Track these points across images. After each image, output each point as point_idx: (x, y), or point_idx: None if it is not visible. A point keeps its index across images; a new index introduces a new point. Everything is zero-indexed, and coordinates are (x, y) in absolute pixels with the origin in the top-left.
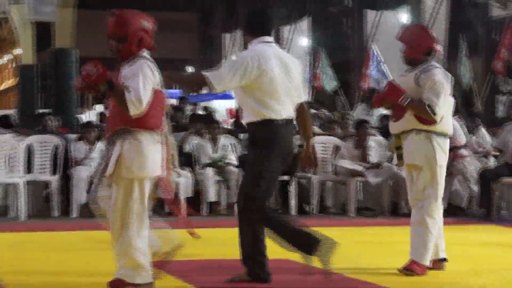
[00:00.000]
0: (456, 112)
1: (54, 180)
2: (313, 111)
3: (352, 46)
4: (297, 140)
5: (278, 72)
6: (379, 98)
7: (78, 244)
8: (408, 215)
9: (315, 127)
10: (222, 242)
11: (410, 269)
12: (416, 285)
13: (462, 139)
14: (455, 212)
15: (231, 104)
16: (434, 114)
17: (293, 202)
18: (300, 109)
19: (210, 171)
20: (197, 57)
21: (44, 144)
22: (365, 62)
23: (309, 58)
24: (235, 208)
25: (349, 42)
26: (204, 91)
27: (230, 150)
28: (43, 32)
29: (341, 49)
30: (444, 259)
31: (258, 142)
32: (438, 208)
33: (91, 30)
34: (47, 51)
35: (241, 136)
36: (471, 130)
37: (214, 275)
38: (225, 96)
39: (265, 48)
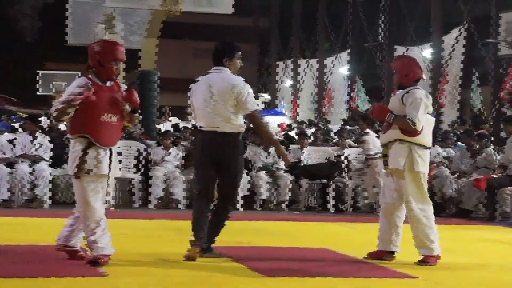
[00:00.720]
0: (467, 132)
1: (136, 177)
2: (348, 127)
3: (383, 75)
4: (336, 151)
5: (202, 93)
6: (370, 113)
7: (155, 231)
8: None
9: (350, 140)
10: (271, 232)
11: (426, 261)
12: (435, 275)
13: (372, 151)
14: (464, 214)
15: (282, 119)
16: (414, 125)
17: (331, 202)
18: (250, 119)
19: (263, 174)
20: (255, 81)
21: (129, 148)
22: (394, 89)
23: (347, 84)
24: (283, 205)
25: (380, 72)
26: (260, 108)
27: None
28: (131, 57)
29: (374, 77)
30: (393, 252)
31: (195, 146)
32: (427, 208)
33: (169, 55)
34: (134, 72)
35: (290, 146)
36: (481, 149)
37: (263, 259)
38: (277, 113)
39: (206, 75)
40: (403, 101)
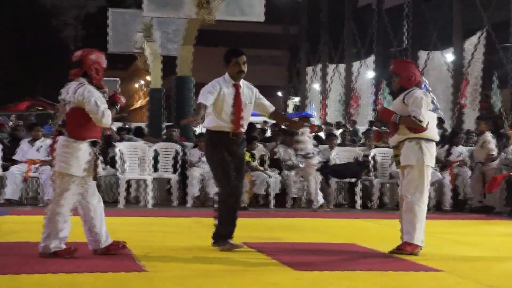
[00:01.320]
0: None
1: (174, 177)
2: (374, 128)
3: None
4: (363, 151)
5: None
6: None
7: (192, 228)
8: (449, 211)
9: None
10: (302, 229)
11: (401, 249)
12: (459, 267)
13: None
14: (486, 210)
15: (312, 121)
16: (420, 121)
17: (358, 199)
18: None
19: (293, 173)
20: (286, 85)
21: (167, 149)
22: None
23: (373, 87)
24: (314, 203)
25: None
26: (290, 111)
27: None
28: (168, 63)
29: None
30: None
31: None
32: (424, 200)
33: (204, 61)
34: (171, 78)
35: (320, 146)
36: (501, 147)
37: (295, 254)
38: (307, 115)
39: None
40: (404, 102)
